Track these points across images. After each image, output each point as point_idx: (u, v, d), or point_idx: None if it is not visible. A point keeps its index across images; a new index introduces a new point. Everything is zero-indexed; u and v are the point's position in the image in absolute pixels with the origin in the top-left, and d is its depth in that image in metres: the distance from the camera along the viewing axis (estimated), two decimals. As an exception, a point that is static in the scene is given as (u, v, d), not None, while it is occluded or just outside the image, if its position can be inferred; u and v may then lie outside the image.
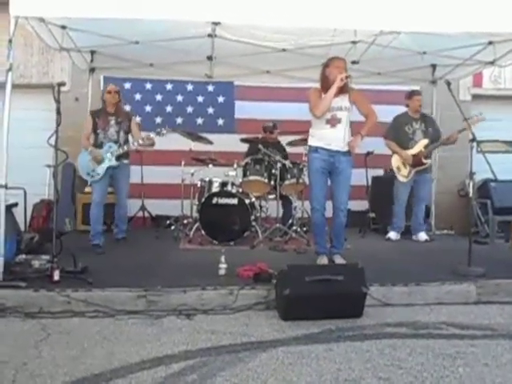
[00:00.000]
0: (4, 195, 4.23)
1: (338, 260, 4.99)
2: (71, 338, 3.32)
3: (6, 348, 3.12)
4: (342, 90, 4.88)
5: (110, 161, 5.91)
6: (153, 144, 6.11)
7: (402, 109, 7.10)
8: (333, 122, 4.90)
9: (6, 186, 4.19)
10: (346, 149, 4.92)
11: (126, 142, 6.09)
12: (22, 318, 3.69)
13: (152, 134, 6.06)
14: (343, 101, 4.93)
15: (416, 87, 7.54)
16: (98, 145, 5.97)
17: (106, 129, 6.00)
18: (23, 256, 4.64)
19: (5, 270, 4.21)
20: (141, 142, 5.97)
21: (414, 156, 6.74)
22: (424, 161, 6.71)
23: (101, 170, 5.89)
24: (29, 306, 3.80)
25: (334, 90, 4.79)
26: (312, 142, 5.04)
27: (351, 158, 5.00)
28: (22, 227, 5.96)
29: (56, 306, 3.83)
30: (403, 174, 6.85)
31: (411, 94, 6.92)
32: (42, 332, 3.42)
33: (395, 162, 6.91)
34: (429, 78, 7.57)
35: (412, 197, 6.96)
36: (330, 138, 4.91)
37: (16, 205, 5.32)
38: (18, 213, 5.57)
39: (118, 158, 5.96)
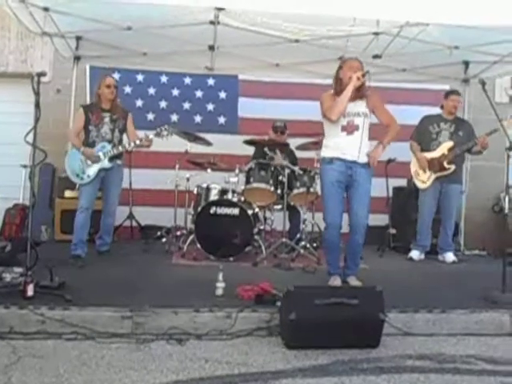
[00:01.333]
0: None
1: (353, 282, 4.98)
2: (45, 363, 3.31)
3: (-29, 372, 3.13)
4: (359, 94, 4.93)
5: (102, 162, 5.94)
6: (149, 146, 6.15)
7: (429, 110, 7.11)
8: (349, 128, 4.92)
9: (-25, 188, 4.21)
10: (364, 159, 4.95)
11: (121, 142, 6.13)
12: (-11, 338, 3.69)
13: (151, 135, 6.07)
14: (360, 106, 4.96)
15: (445, 86, 7.56)
16: (90, 143, 5.99)
17: (99, 126, 6.01)
18: (-7, 267, 4.65)
19: (-29, 284, 4.20)
20: (138, 142, 6.01)
21: (434, 159, 6.73)
22: (447, 166, 6.69)
23: (92, 171, 5.91)
24: (-2, 326, 3.81)
25: (350, 89, 4.81)
26: (326, 152, 5.05)
27: (371, 169, 5.02)
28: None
29: (29, 325, 3.82)
30: (422, 180, 6.83)
31: (447, 94, 6.89)
32: (13, 355, 3.41)
33: (413, 165, 6.92)
34: (460, 77, 7.61)
35: (439, 211, 6.95)
36: (346, 146, 4.92)
37: (-14, 209, 5.35)
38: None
39: (112, 159, 5.99)
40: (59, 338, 3.72)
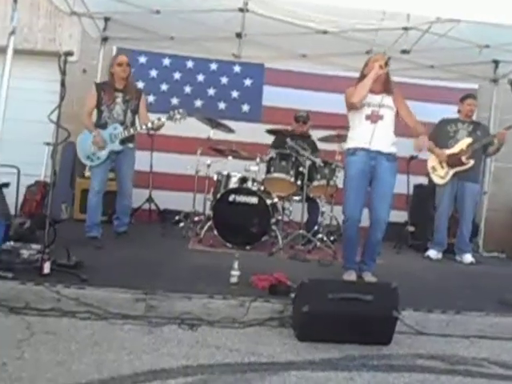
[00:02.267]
0: (-5, 173, 4.27)
1: (368, 278, 4.95)
2: (58, 340, 3.35)
3: (-15, 345, 3.17)
4: (385, 89, 4.91)
5: (113, 144, 5.87)
6: (161, 127, 6.04)
7: (455, 109, 7.02)
8: (373, 118, 4.85)
9: (-3, 163, 4.24)
10: (389, 150, 4.88)
11: (133, 123, 6.04)
12: (5, 312, 3.72)
13: (163, 118, 5.92)
14: (385, 99, 4.91)
15: (474, 85, 7.49)
16: (102, 124, 5.92)
17: (111, 106, 5.92)
18: (11, 243, 4.69)
19: (-11, 258, 4.24)
20: (150, 125, 5.90)
21: (453, 155, 6.67)
22: (465, 160, 6.62)
23: (102, 154, 5.84)
24: (14, 300, 3.84)
25: (372, 76, 4.77)
26: (350, 144, 5.00)
27: (395, 164, 4.96)
28: (13, 211, 6.03)
29: (44, 302, 3.86)
30: (439, 175, 6.78)
31: (463, 98, 6.83)
32: (27, 330, 3.45)
33: (430, 162, 6.86)
34: (489, 76, 7.51)
35: (457, 210, 6.89)
36: (369, 135, 4.83)
37: (7, 185, 5.40)
38: (9, 194, 5.66)
39: (123, 141, 5.92)
40: (73, 317, 3.75)
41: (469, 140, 6.65)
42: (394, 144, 4.93)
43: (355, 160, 4.90)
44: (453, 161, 6.66)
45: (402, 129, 5.00)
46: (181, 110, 5.95)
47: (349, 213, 4.92)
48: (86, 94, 6.00)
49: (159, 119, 5.90)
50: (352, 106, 4.89)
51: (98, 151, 5.84)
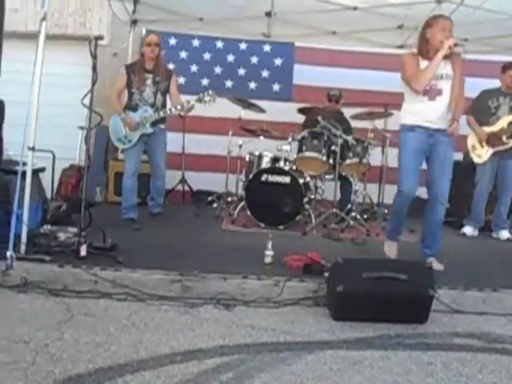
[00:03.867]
0: (32, 159, 4.33)
1: (435, 265, 4.50)
2: (97, 322, 3.42)
3: (27, 327, 3.24)
4: (446, 54, 4.51)
5: (144, 127, 5.89)
6: (190, 110, 6.04)
7: (493, 83, 6.86)
8: (431, 93, 4.58)
9: (33, 149, 4.30)
10: (448, 124, 4.63)
11: (164, 105, 6.06)
12: (45, 294, 3.82)
13: (192, 101, 5.91)
14: (445, 67, 4.58)
15: (510, 58, 7.29)
16: (133, 107, 5.94)
17: (141, 88, 5.92)
18: (48, 227, 4.78)
19: (28, 242, 4.34)
20: (179, 107, 5.91)
21: (493, 133, 6.52)
22: (505, 140, 6.46)
23: (134, 136, 5.89)
24: (52, 283, 3.94)
25: (439, 58, 4.43)
26: (406, 119, 4.73)
27: (452, 138, 4.73)
28: (49, 194, 6.13)
29: (82, 284, 3.95)
30: (478, 154, 6.66)
31: (504, 68, 6.65)
32: (66, 312, 3.54)
33: (471, 140, 6.73)
34: (527, 48, 7.32)
35: (495, 187, 6.78)
36: (428, 113, 4.60)
37: (43, 169, 5.48)
38: (45, 178, 5.75)
39: (154, 123, 5.93)
40: (110, 298, 3.82)
41: (510, 118, 6.49)
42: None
43: (413, 136, 4.66)
44: (493, 140, 6.52)
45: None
46: (210, 92, 5.94)
47: (405, 189, 4.70)
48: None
49: (188, 102, 5.91)
50: (413, 90, 4.58)
51: (129, 133, 5.89)
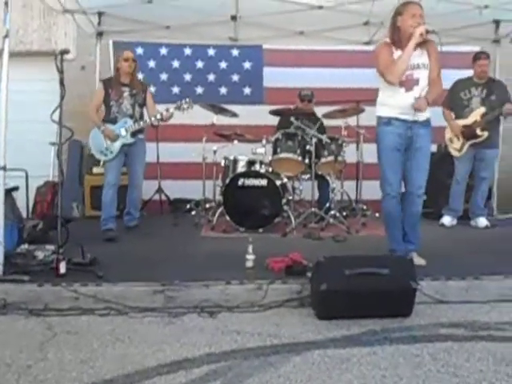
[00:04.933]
0: (3, 178, 4.27)
1: (417, 260, 4.52)
2: (80, 339, 3.37)
3: (9, 349, 3.19)
4: (420, 42, 4.42)
5: (124, 138, 5.98)
6: (170, 118, 6.14)
7: (460, 73, 6.92)
8: (408, 84, 4.48)
9: (4, 168, 4.24)
10: (426, 116, 4.57)
11: (142, 116, 6.17)
12: (25, 315, 3.76)
13: (171, 109, 6.06)
14: (420, 56, 4.50)
15: (476, 48, 7.37)
16: (112, 119, 6.04)
17: (119, 101, 6.04)
18: (25, 246, 4.74)
19: (5, 262, 4.28)
20: (159, 117, 6.02)
21: (467, 126, 6.58)
22: (479, 133, 6.52)
23: (115, 147, 5.98)
24: (33, 303, 3.87)
25: (411, 48, 4.35)
26: (382, 111, 4.64)
27: (430, 128, 4.66)
28: (24, 213, 6.07)
29: (62, 302, 3.89)
30: (455, 147, 6.73)
31: (475, 58, 6.67)
32: (48, 331, 3.49)
33: (447, 132, 6.80)
34: (491, 37, 7.41)
35: (471, 176, 6.84)
36: (405, 104, 4.49)
37: (17, 188, 5.42)
38: (19, 197, 5.68)
39: (134, 134, 6.04)
40: (92, 314, 3.78)
41: (482, 110, 6.53)
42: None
43: (390, 130, 4.58)
44: (468, 133, 6.57)
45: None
46: (187, 99, 6.10)
47: (388, 189, 4.64)
48: (89, 91, 6.02)
49: (167, 110, 6.05)
50: (389, 83, 4.48)
51: (110, 145, 5.96)
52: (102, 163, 6.33)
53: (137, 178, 6.29)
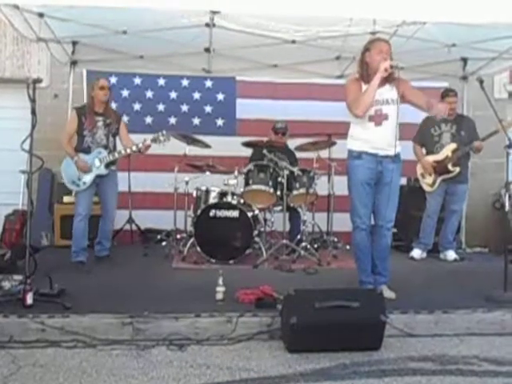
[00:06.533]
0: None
1: (386, 293, 4.49)
2: (45, 372, 3.31)
3: (-29, 383, 3.12)
4: (388, 78, 4.52)
5: (98, 169, 5.88)
6: (148, 149, 6.09)
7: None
8: (378, 118, 4.55)
9: (-27, 196, 4.19)
10: (396, 151, 4.55)
11: (115, 146, 6.08)
12: (-11, 348, 3.69)
13: (148, 141, 6.00)
14: (388, 92, 4.58)
15: (445, 84, 7.54)
16: (85, 149, 5.91)
17: (93, 131, 5.91)
18: (-8, 276, 4.64)
19: (-29, 293, 4.19)
20: (135, 149, 5.96)
21: (438, 162, 6.69)
22: (451, 168, 6.65)
23: (88, 178, 5.86)
24: (-3, 335, 3.80)
25: (376, 82, 4.42)
26: (353, 145, 4.70)
27: (401, 163, 4.71)
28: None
29: (29, 334, 3.82)
30: (427, 183, 6.83)
31: (442, 95, 6.80)
32: (13, 365, 3.41)
33: (419, 168, 6.91)
34: (459, 74, 7.60)
35: (442, 210, 6.93)
36: (375, 139, 4.57)
37: (-15, 217, 5.35)
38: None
39: (107, 165, 5.94)
40: (59, 346, 3.72)
41: (453, 146, 6.65)
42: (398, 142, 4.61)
43: (361, 164, 4.63)
44: (439, 168, 6.67)
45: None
46: (164, 132, 6.07)
47: (358, 222, 4.70)
48: (61, 120, 5.98)
49: (145, 140, 5.99)
50: (355, 116, 4.57)
51: (83, 176, 5.85)
52: (73, 193, 6.24)
53: (110, 210, 6.18)
